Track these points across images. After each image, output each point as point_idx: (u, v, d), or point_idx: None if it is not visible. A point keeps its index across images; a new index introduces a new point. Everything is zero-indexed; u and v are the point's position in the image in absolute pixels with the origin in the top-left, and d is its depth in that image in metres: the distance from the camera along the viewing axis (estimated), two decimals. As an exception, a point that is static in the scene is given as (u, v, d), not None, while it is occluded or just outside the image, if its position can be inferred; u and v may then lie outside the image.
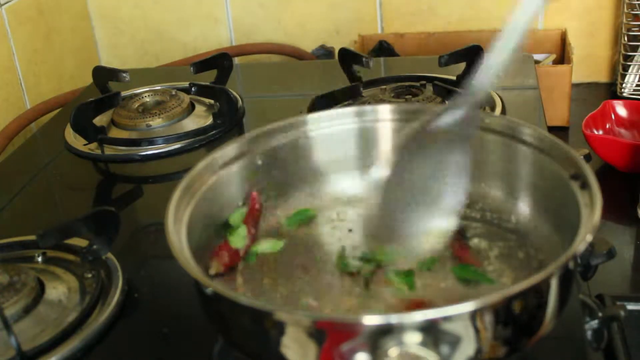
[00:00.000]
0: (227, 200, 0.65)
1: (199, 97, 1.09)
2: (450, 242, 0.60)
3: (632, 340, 0.69)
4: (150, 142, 0.98)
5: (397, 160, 0.59)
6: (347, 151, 0.70)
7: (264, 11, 1.46)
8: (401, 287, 0.58)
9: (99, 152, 0.97)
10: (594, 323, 0.59)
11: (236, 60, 1.44)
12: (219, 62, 1.12)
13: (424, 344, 0.44)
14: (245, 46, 1.45)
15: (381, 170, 0.60)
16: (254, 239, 0.64)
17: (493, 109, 0.96)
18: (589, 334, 0.59)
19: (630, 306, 0.73)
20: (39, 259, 0.73)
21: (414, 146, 0.59)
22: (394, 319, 0.44)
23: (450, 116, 0.58)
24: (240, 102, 1.07)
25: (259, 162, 0.67)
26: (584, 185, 0.55)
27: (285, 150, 0.69)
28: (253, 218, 0.65)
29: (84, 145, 0.99)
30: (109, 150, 0.98)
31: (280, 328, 0.46)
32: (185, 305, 0.66)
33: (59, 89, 1.32)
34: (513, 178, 0.65)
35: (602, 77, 1.41)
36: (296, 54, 1.43)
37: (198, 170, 0.63)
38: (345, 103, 0.99)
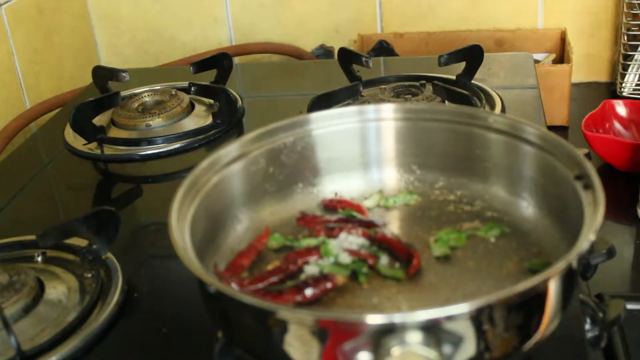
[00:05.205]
0: (230, 199, 0.65)
1: (198, 97, 1.09)
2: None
3: (632, 340, 0.69)
4: (150, 141, 0.97)
5: None
6: (349, 150, 0.70)
7: (264, 11, 1.46)
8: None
9: (98, 152, 0.97)
10: (594, 326, 0.59)
11: (236, 60, 1.43)
12: (219, 62, 1.12)
13: (426, 343, 0.44)
14: (245, 46, 1.45)
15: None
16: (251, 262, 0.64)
17: (493, 108, 0.96)
18: (588, 334, 0.59)
19: (630, 306, 0.73)
20: (39, 259, 0.73)
21: None
22: (397, 318, 0.44)
23: None
24: (240, 102, 1.07)
25: (262, 161, 0.67)
26: (587, 186, 0.55)
27: (288, 149, 0.69)
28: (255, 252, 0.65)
29: (84, 145, 0.99)
30: (109, 150, 0.98)
31: (283, 327, 0.46)
32: (185, 305, 0.66)
33: (59, 89, 1.32)
34: (515, 177, 0.66)
35: (602, 76, 1.41)
36: (296, 54, 1.43)
37: (201, 168, 0.63)
38: (345, 103, 0.99)
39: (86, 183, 0.95)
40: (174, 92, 1.07)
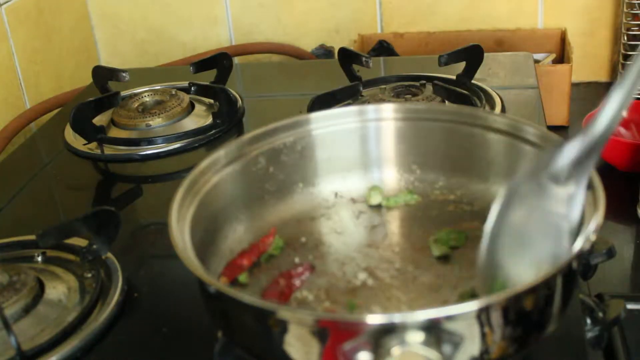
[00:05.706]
0: (230, 199, 0.65)
1: (198, 97, 1.09)
2: None
3: (632, 340, 0.69)
4: (150, 141, 0.97)
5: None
6: (349, 150, 0.70)
7: (264, 10, 1.46)
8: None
9: (98, 151, 0.97)
10: (594, 326, 0.59)
11: (236, 60, 1.43)
12: (219, 62, 1.12)
13: (426, 343, 0.44)
14: (245, 46, 1.45)
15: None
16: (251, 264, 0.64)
17: (493, 108, 0.96)
18: (588, 334, 0.59)
19: (630, 306, 0.73)
20: (39, 259, 0.73)
21: None
22: (397, 318, 0.44)
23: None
24: (240, 102, 1.07)
25: (262, 161, 0.67)
26: (587, 186, 0.55)
27: (288, 149, 0.69)
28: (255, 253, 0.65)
29: (84, 145, 0.99)
30: (109, 150, 0.98)
31: (283, 327, 0.46)
32: (185, 305, 0.66)
33: (59, 89, 1.32)
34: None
35: (602, 76, 1.41)
36: (296, 54, 1.43)
37: (201, 169, 0.63)
38: (345, 103, 0.99)
39: (86, 183, 0.95)
40: (174, 92, 1.07)
